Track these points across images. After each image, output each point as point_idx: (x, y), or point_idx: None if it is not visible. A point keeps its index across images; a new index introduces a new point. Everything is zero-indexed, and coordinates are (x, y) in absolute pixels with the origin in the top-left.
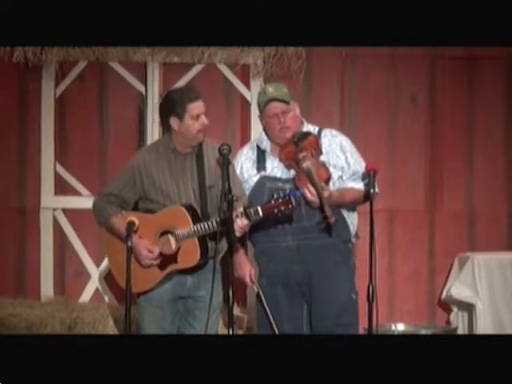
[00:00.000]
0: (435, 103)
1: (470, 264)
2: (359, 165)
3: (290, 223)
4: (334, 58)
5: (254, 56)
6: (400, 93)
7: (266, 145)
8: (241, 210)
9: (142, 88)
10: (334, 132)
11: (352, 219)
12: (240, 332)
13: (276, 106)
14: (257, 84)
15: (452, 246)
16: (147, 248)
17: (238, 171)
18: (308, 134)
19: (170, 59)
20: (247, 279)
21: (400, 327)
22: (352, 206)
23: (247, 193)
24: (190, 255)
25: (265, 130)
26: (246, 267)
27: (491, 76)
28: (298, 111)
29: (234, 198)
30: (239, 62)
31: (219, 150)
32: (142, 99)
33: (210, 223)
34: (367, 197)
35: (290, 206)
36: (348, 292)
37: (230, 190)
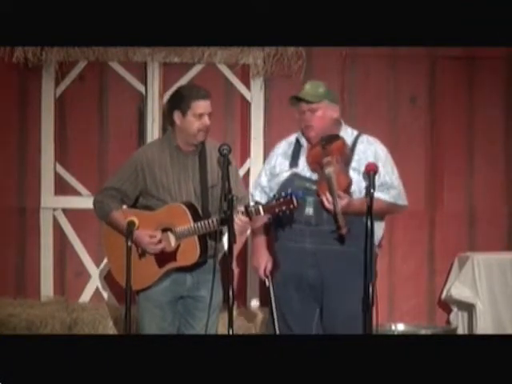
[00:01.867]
0: (435, 103)
1: (470, 264)
2: (390, 176)
3: (309, 224)
4: (334, 58)
5: (254, 56)
6: (400, 93)
7: (304, 141)
8: (242, 208)
9: (142, 88)
10: (372, 139)
11: (377, 228)
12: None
13: (302, 105)
14: (257, 84)
15: (452, 246)
16: (148, 234)
17: (272, 163)
18: (337, 137)
19: (170, 59)
20: (261, 272)
21: (400, 327)
22: (376, 216)
23: (277, 187)
24: (190, 253)
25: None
26: (262, 259)
27: (491, 76)
28: (330, 112)
29: (235, 198)
30: (239, 62)
31: (219, 150)
32: (142, 99)
33: (210, 221)
34: (393, 208)
35: (292, 205)
36: (360, 304)
37: (230, 190)
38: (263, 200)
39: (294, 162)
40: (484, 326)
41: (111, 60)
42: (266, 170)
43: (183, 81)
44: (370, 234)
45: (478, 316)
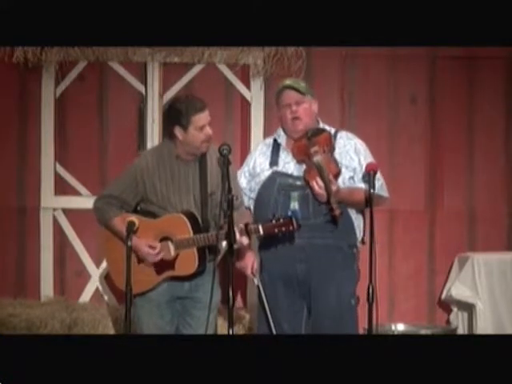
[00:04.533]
0: (435, 103)
1: (469, 264)
2: None
3: (293, 240)
4: (334, 58)
5: (253, 56)
6: (400, 93)
7: (282, 140)
8: (241, 226)
9: (142, 88)
10: (350, 135)
11: (359, 223)
12: (241, 331)
13: (289, 96)
14: (257, 84)
15: (452, 246)
16: (148, 244)
17: (250, 165)
18: (322, 130)
19: (170, 59)
20: (248, 271)
21: (400, 327)
22: (359, 207)
23: (258, 187)
24: (188, 263)
25: (281, 123)
26: (249, 259)
27: (491, 76)
28: (314, 107)
29: (235, 198)
30: (239, 62)
31: (219, 150)
32: (142, 99)
33: (210, 235)
34: (376, 200)
35: (291, 227)
36: (348, 297)
37: (230, 190)
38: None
39: (273, 160)
40: (484, 326)
41: (111, 60)
42: (245, 172)
43: (183, 81)
44: (371, 234)
45: (478, 316)
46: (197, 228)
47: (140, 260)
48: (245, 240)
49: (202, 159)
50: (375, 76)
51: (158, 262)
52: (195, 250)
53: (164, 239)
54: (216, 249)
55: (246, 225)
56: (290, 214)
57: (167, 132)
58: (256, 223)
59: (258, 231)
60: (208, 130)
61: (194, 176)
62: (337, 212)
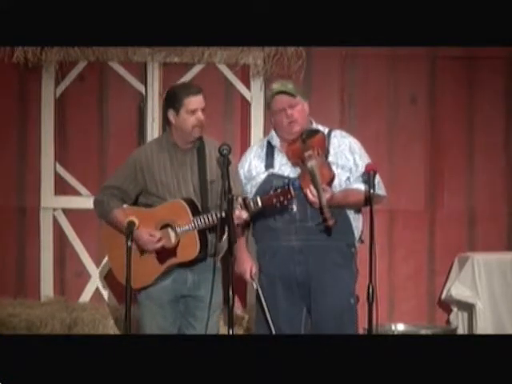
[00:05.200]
0: (435, 103)
1: (469, 264)
2: None
3: (294, 222)
4: (334, 58)
5: (254, 56)
6: (400, 93)
7: (276, 142)
8: (240, 200)
9: (142, 88)
10: (344, 133)
11: (357, 223)
12: (240, 331)
13: (282, 100)
14: (257, 84)
15: (452, 246)
16: (148, 233)
17: (245, 168)
18: (317, 131)
19: (170, 59)
20: (247, 275)
21: (400, 327)
22: (356, 208)
23: (254, 190)
24: (190, 248)
25: (274, 127)
26: (247, 263)
27: (491, 76)
28: (306, 107)
29: (235, 198)
30: (239, 62)
31: (219, 150)
32: (142, 99)
33: (209, 216)
34: (373, 199)
35: (289, 195)
36: (347, 296)
37: (229, 190)
38: None
39: (269, 163)
40: (484, 326)
41: (111, 60)
42: (240, 175)
43: (183, 81)
44: (371, 234)
45: (478, 316)
46: (196, 214)
47: (142, 252)
48: (244, 214)
49: (200, 147)
50: (375, 76)
51: (160, 251)
52: (196, 235)
53: (164, 227)
54: (218, 234)
55: (245, 199)
56: (286, 182)
57: (164, 118)
58: (254, 197)
59: (257, 203)
60: (200, 115)
61: (193, 164)
62: (330, 222)
